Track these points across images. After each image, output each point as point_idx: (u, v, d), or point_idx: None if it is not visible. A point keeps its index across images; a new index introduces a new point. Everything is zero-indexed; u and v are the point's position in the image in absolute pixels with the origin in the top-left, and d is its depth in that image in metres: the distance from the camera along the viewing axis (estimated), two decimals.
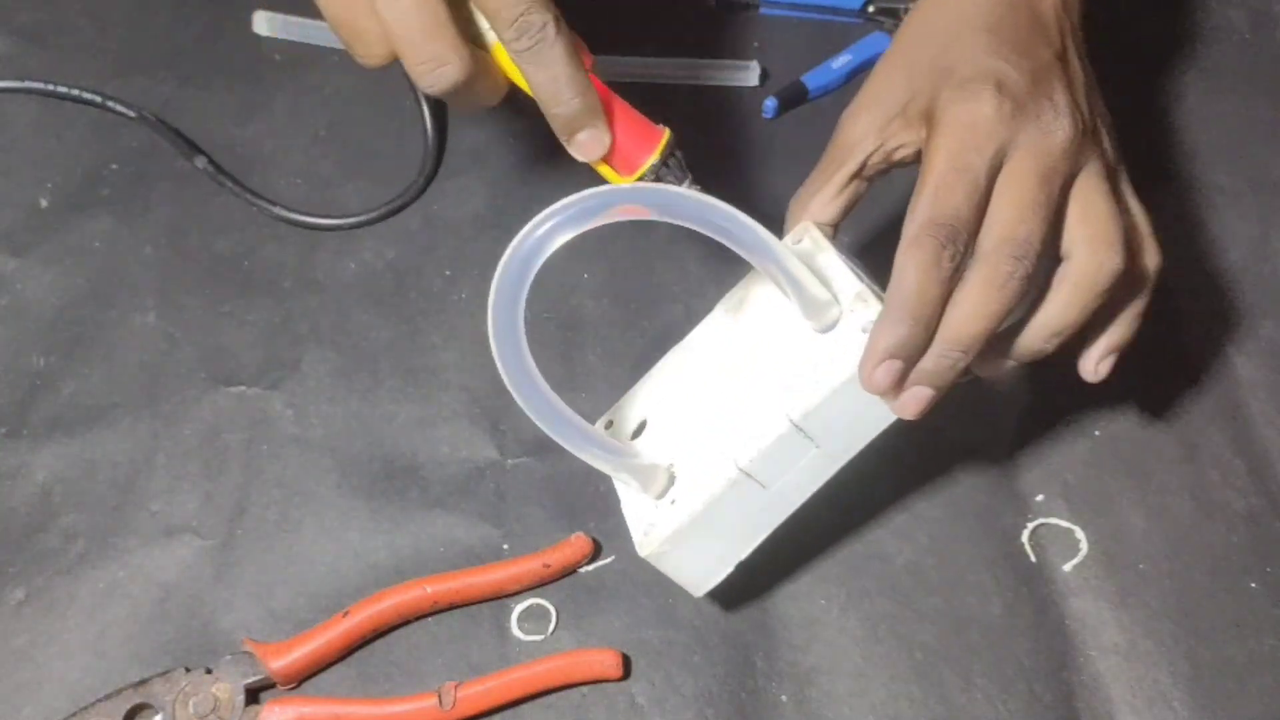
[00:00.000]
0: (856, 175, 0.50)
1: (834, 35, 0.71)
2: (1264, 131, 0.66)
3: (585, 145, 0.47)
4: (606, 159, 0.48)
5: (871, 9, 0.72)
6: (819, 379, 0.45)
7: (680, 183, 0.48)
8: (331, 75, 0.72)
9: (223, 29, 0.74)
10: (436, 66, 0.44)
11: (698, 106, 0.69)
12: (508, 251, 0.43)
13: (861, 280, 0.47)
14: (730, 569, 0.48)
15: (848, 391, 0.45)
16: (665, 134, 0.48)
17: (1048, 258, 0.45)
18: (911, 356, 0.44)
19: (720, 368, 0.50)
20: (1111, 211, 0.46)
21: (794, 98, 0.68)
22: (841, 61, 0.69)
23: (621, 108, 0.47)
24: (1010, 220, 0.44)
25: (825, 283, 0.46)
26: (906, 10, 0.71)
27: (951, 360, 0.44)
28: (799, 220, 0.51)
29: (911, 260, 0.43)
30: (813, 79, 0.69)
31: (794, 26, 0.73)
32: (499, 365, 0.44)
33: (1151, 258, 0.48)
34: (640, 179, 0.48)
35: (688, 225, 0.44)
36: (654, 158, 0.47)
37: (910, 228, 0.44)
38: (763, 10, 0.73)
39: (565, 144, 0.47)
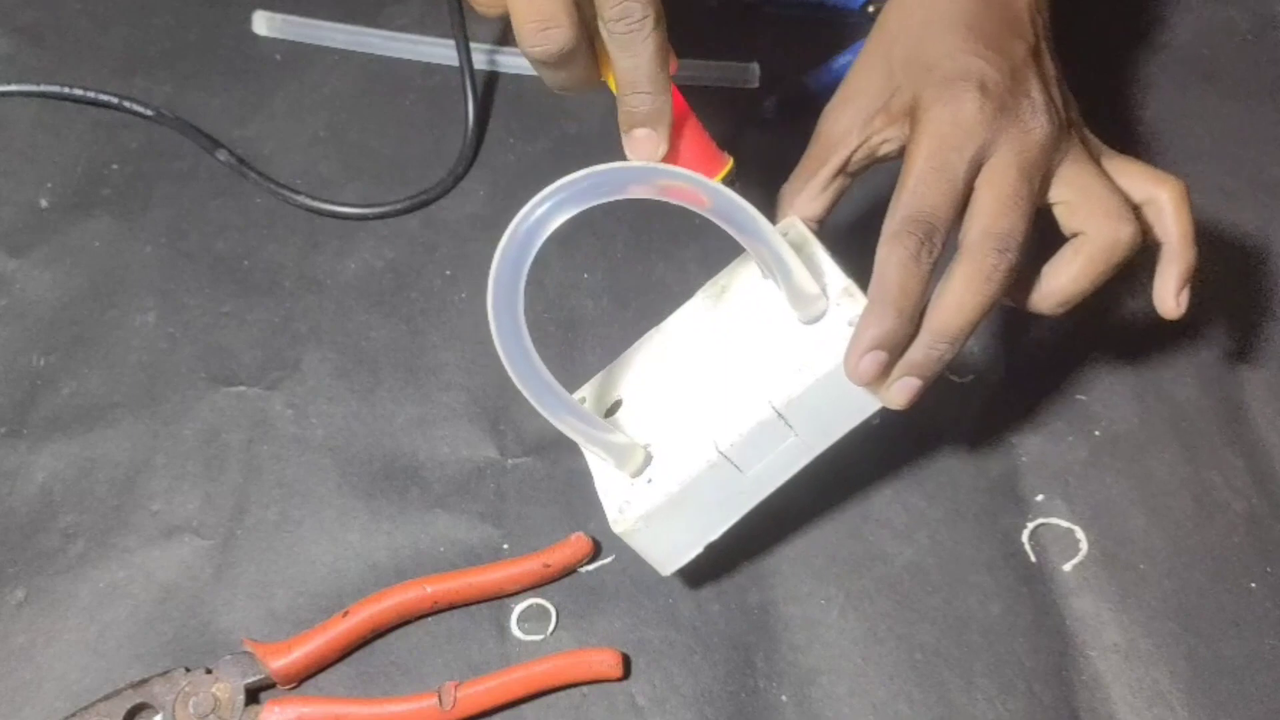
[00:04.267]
0: (841, 171, 0.51)
1: (834, 35, 0.71)
2: (1264, 132, 0.66)
3: (640, 143, 0.47)
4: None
5: (871, 9, 0.72)
6: (803, 368, 0.46)
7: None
8: (331, 75, 0.72)
9: (223, 29, 0.74)
10: (545, 27, 0.44)
11: (698, 107, 0.69)
12: (515, 219, 0.43)
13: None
14: (699, 550, 0.49)
15: (831, 382, 0.46)
16: (729, 164, 0.49)
17: (1028, 250, 0.46)
18: (895, 348, 0.45)
19: (700, 352, 0.50)
20: (1111, 187, 0.47)
21: (794, 98, 0.68)
22: (841, 62, 0.69)
23: (694, 126, 0.48)
24: (992, 214, 0.45)
25: (814, 276, 0.47)
26: None
27: (939, 352, 0.45)
28: (785, 216, 0.51)
29: (892, 255, 0.45)
30: (813, 79, 0.69)
31: (794, 26, 0.73)
32: (494, 332, 0.44)
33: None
34: None
35: (687, 206, 0.44)
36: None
37: (890, 223, 0.45)
38: (763, 10, 0.73)
39: (624, 136, 0.47)
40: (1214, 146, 0.66)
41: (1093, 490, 0.54)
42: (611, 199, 0.43)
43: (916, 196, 0.45)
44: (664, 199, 0.44)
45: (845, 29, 0.72)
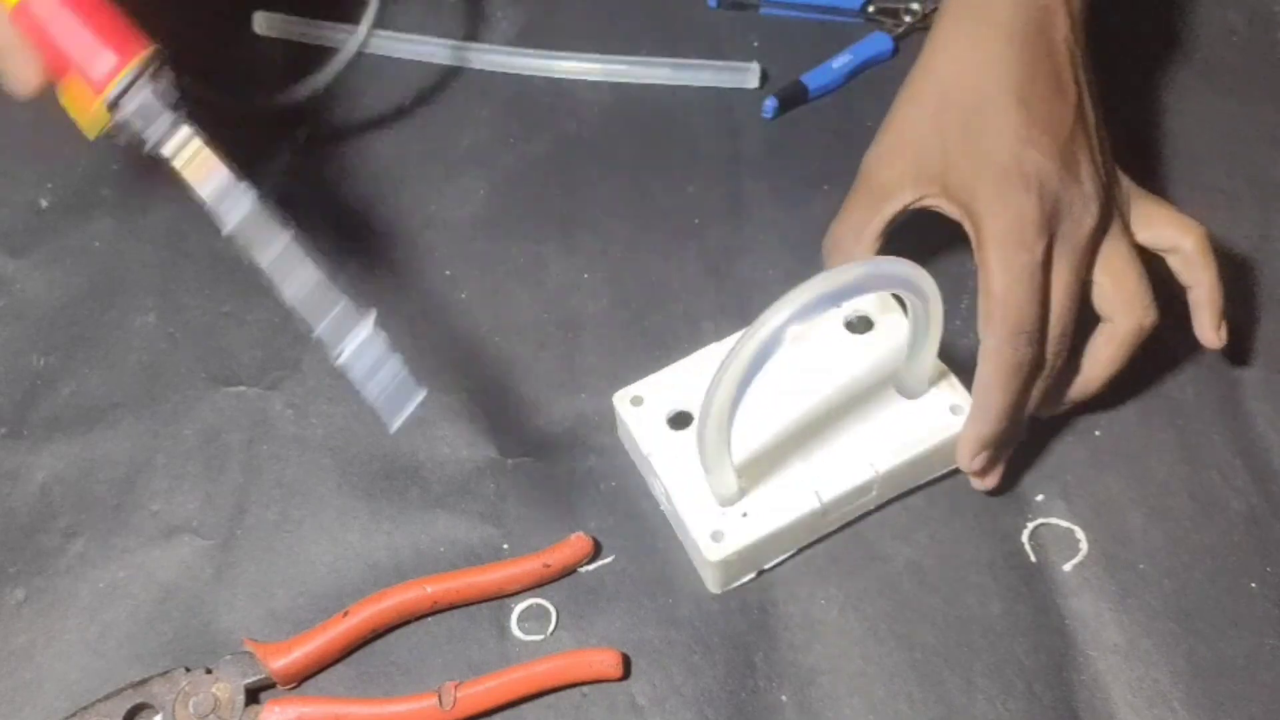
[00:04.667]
0: (893, 222, 0.53)
1: (834, 35, 0.71)
2: (1263, 133, 0.66)
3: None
4: (56, 80, 0.41)
5: (871, 9, 0.72)
6: (906, 443, 0.51)
7: (160, 115, 0.41)
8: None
9: (223, 29, 0.74)
10: None
11: (698, 107, 0.69)
12: (748, 339, 0.44)
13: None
14: (752, 575, 0.52)
15: (927, 458, 0.52)
16: (142, 53, 0.40)
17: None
18: (1004, 446, 0.52)
19: (784, 391, 0.52)
20: (1139, 272, 0.51)
21: (794, 98, 0.68)
22: (841, 61, 0.69)
23: (94, 9, 0.40)
24: (1051, 320, 0.49)
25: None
26: (908, 11, 0.71)
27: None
28: (838, 263, 0.52)
29: (999, 370, 0.49)
30: (813, 79, 0.69)
31: (794, 26, 0.73)
32: (703, 428, 0.47)
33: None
34: (109, 104, 0.41)
35: (904, 295, 0.48)
36: (112, 88, 0.40)
37: (989, 337, 0.49)
38: (763, 10, 0.73)
39: None
40: (1213, 146, 0.66)
41: (1093, 490, 0.54)
42: (839, 303, 0.45)
43: (1009, 309, 0.48)
44: (891, 292, 0.48)
45: (845, 29, 0.72)
